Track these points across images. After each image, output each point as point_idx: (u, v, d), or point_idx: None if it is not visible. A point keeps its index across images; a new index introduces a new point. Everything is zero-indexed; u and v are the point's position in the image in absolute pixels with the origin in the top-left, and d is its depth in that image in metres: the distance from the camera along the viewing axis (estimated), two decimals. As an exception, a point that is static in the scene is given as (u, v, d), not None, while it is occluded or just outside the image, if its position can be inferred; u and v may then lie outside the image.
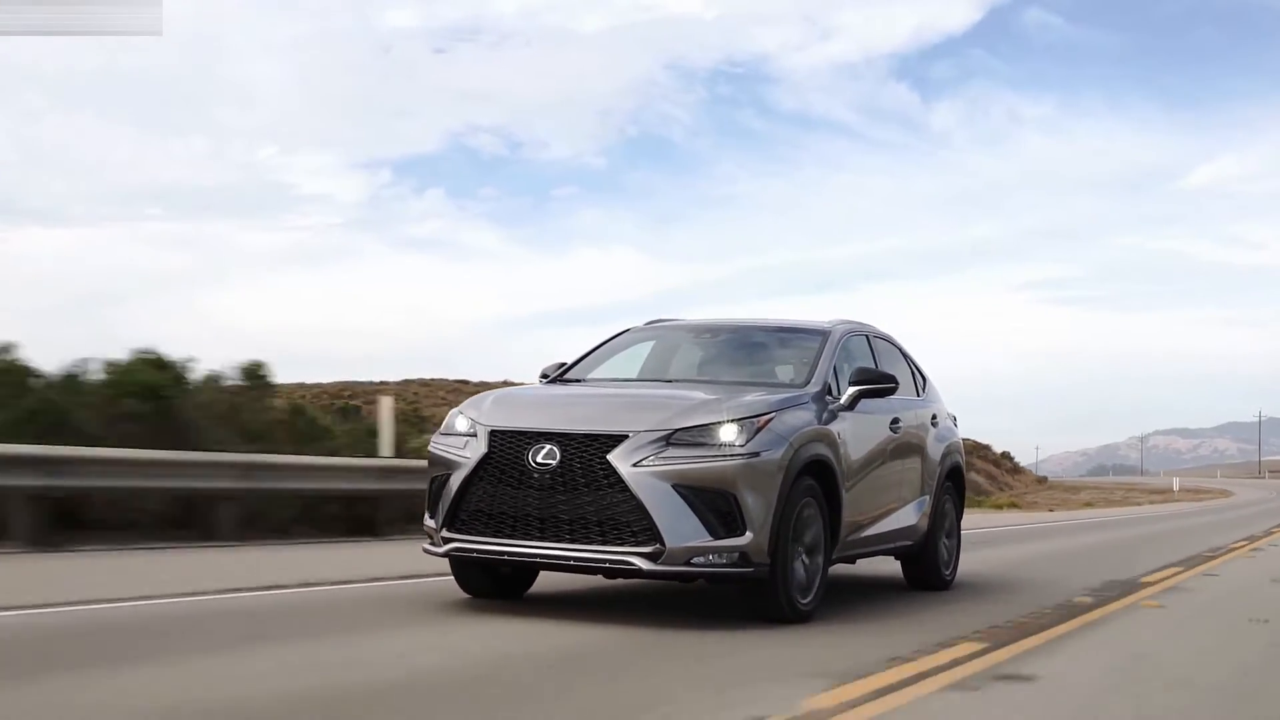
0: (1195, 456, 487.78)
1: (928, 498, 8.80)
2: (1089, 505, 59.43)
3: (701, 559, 6.23)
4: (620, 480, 6.22)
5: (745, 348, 8.39)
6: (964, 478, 9.81)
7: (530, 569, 7.24)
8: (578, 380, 7.99)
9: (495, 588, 7.27)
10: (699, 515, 6.22)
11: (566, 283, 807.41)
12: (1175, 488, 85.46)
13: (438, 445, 6.93)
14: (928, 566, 8.95)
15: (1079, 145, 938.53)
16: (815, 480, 6.85)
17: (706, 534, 6.22)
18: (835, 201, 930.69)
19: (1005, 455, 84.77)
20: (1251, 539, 19.87)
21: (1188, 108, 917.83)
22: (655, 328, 8.72)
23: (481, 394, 7.36)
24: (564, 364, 8.20)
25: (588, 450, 6.33)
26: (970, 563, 11.16)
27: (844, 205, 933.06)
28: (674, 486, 6.21)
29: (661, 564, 6.18)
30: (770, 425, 6.52)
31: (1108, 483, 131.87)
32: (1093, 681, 5.47)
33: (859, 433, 7.54)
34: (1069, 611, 7.95)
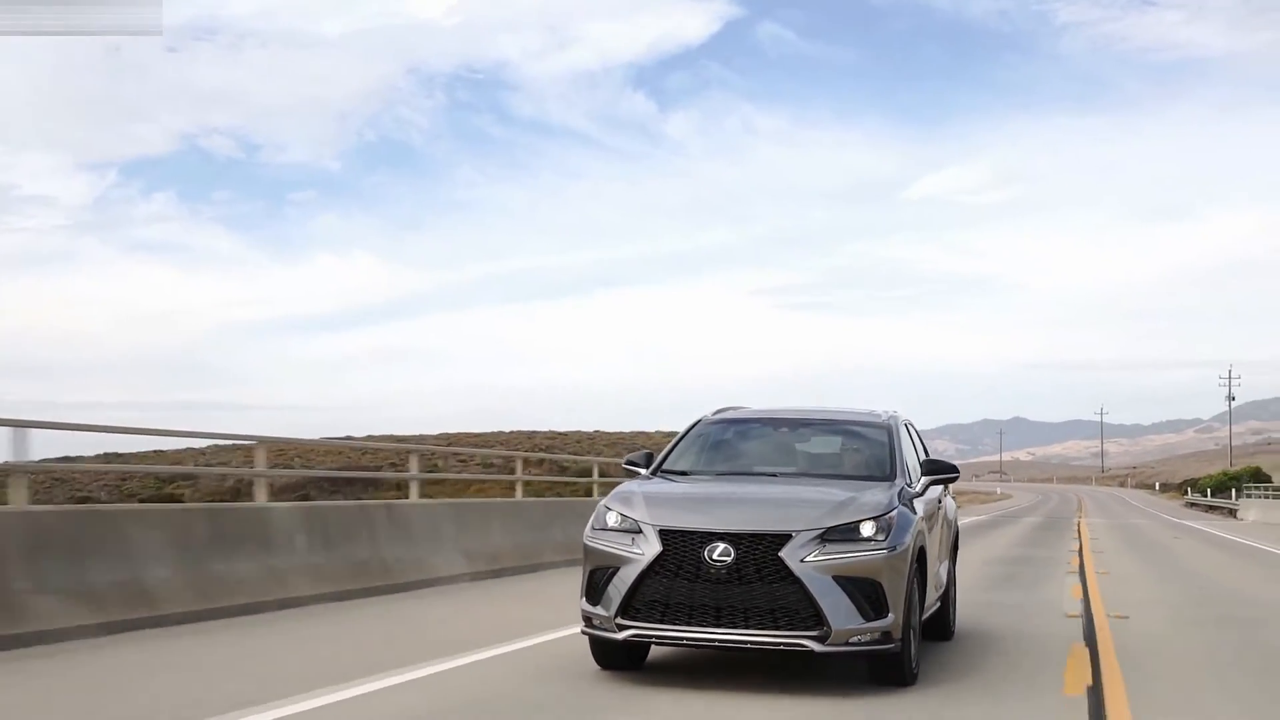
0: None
1: (948, 561, 9.91)
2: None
3: (857, 639, 7.21)
4: (791, 574, 7.14)
5: (819, 438, 9.37)
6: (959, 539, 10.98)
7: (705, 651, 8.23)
8: (682, 472, 8.72)
9: (626, 661, 8.02)
10: (854, 601, 7.18)
11: (304, 288, 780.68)
12: (998, 492, 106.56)
13: (598, 540, 7.69)
14: (941, 621, 9.82)
15: (811, 156, 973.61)
16: (918, 563, 7.85)
17: (860, 618, 7.19)
18: (574, 208, 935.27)
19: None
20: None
21: (912, 122, 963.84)
22: (728, 419, 9.46)
23: (622, 490, 8.13)
24: (650, 454, 8.97)
25: (758, 548, 7.21)
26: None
27: (582, 212, 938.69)
28: (834, 578, 7.18)
29: (829, 645, 7.15)
30: (896, 521, 7.54)
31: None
32: None
33: (927, 515, 8.54)
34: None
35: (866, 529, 7.36)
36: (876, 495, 7.77)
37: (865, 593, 7.21)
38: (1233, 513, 59.16)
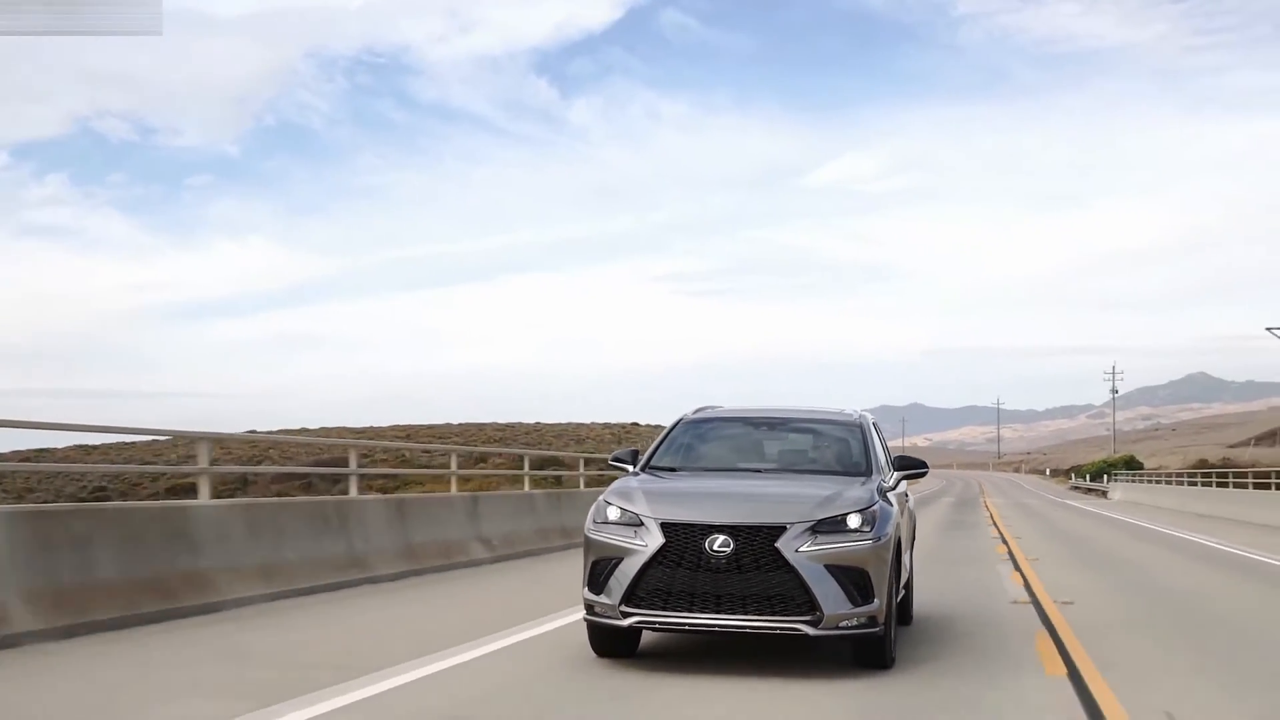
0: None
1: (910, 551, 10.34)
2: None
3: (846, 623, 7.67)
4: (787, 563, 7.58)
5: (796, 436, 9.91)
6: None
7: (705, 637, 8.62)
8: (670, 469, 9.07)
9: (623, 648, 8.39)
10: (844, 588, 7.64)
11: (203, 273, 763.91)
12: None
13: (600, 533, 8.02)
14: (903, 606, 9.82)
15: (712, 143, 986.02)
16: (894, 555, 8.29)
17: (850, 604, 7.65)
18: (476, 194, 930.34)
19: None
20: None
21: (812, 109, 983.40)
22: (708, 418, 9.92)
23: (620, 486, 8.46)
24: (636, 451, 9.34)
25: (756, 539, 7.62)
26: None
27: (485, 198, 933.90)
28: (825, 566, 7.63)
29: (821, 629, 7.60)
30: (878, 513, 8.03)
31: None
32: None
33: (899, 507, 8.95)
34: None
35: (853, 521, 7.81)
36: (859, 490, 8.24)
37: (854, 580, 7.65)
38: (1104, 494, 72.58)
